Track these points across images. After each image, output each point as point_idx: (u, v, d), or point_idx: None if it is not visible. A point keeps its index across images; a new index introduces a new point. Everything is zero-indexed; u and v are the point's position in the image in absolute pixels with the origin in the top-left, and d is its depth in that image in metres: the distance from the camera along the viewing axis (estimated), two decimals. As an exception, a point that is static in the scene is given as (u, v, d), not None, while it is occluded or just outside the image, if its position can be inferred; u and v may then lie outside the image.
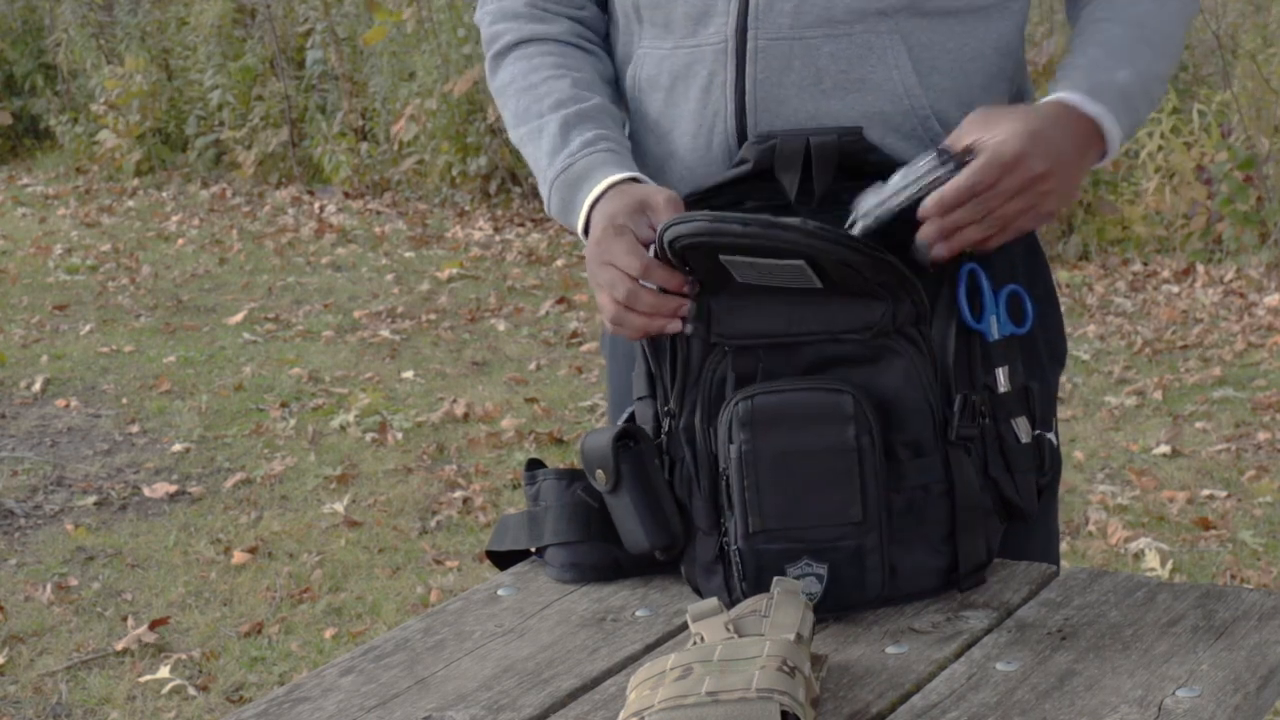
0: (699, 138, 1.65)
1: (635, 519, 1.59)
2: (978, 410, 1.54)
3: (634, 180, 1.61)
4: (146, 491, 4.62)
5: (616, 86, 1.75)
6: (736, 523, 1.51)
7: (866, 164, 1.56)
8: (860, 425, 1.49)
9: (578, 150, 1.65)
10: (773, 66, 1.60)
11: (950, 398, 1.53)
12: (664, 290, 1.53)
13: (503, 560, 1.74)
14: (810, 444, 1.49)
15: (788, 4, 1.59)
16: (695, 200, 1.58)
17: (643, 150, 1.71)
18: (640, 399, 1.63)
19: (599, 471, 1.60)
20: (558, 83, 1.70)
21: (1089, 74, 1.58)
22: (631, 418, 1.63)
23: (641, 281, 1.53)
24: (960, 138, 1.50)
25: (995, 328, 1.57)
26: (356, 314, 6.63)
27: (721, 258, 1.49)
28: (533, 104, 1.70)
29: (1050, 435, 1.63)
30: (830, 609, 1.52)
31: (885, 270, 1.48)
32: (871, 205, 1.49)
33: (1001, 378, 1.57)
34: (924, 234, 1.49)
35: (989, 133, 1.48)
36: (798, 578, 1.50)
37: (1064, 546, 4.06)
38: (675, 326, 1.54)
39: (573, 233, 1.69)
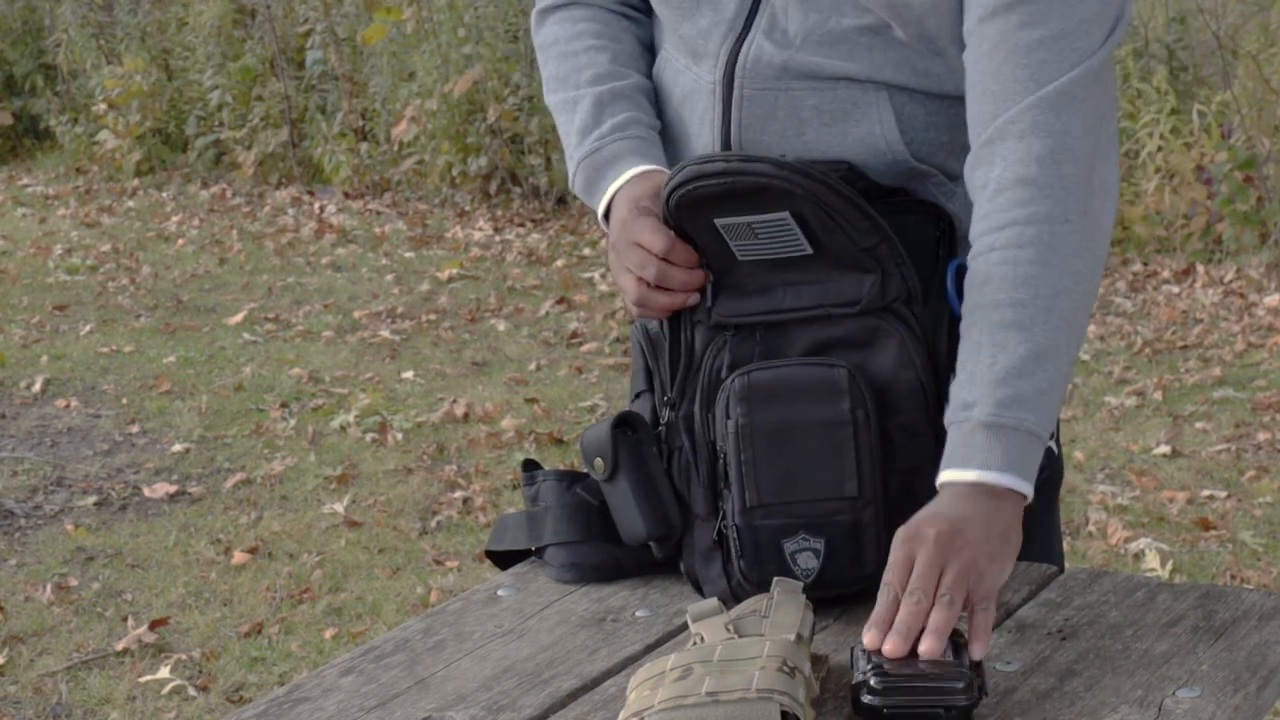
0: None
1: (633, 507, 1.59)
2: None
3: (659, 172, 1.64)
4: (146, 491, 4.62)
5: (654, 52, 1.78)
6: (734, 500, 1.52)
7: (860, 191, 1.57)
8: (855, 399, 1.50)
9: (608, 133, 1.67)
10: (756, 114, 1.62)
11: (941, 381, 1.54)
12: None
13: (502, 560, 1.74)
14: (805, 418, 1.51)
15: (776, 58, 1.60)
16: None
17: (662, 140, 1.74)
18: (638, 395, 1.64)
19: (597, 460, 1.61)
20: (598, 55, 1.72)
21: (957, 440, 1.46)
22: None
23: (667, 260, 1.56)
24: None
25: None
26: (356, 314, 6.63)
27: (717, 222, 1.52)
28: (571, 73, 1.73)
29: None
30: (828, 585, 1.52)
31: (864, 220, 1.50)
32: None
33: None
34: (890, 648, 1.34)
35: None
36: (794, 553, 1.51)
37: (1064, 546, 4.06)
38: (694, 299, 1.57)
39: (592, 211, 1.71)
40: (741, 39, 1.62)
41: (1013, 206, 1.48)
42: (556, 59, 1.75)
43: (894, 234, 1.52)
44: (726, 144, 1.64)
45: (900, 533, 1.41)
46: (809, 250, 1.52)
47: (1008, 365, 1.44)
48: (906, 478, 1.54)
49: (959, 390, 1.46)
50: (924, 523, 1.41)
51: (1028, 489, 1.44)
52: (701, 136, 1.66)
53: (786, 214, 1.50)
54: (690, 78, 1.67)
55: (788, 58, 1.60)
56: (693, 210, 1.53)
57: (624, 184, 1.63)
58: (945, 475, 1.44)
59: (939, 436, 1.53)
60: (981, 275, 1.48)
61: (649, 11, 1.78)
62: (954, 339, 1.54)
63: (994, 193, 1.49)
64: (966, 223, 1.61)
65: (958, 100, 1.60)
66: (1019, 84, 1.50)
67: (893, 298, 1.53)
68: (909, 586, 1.36)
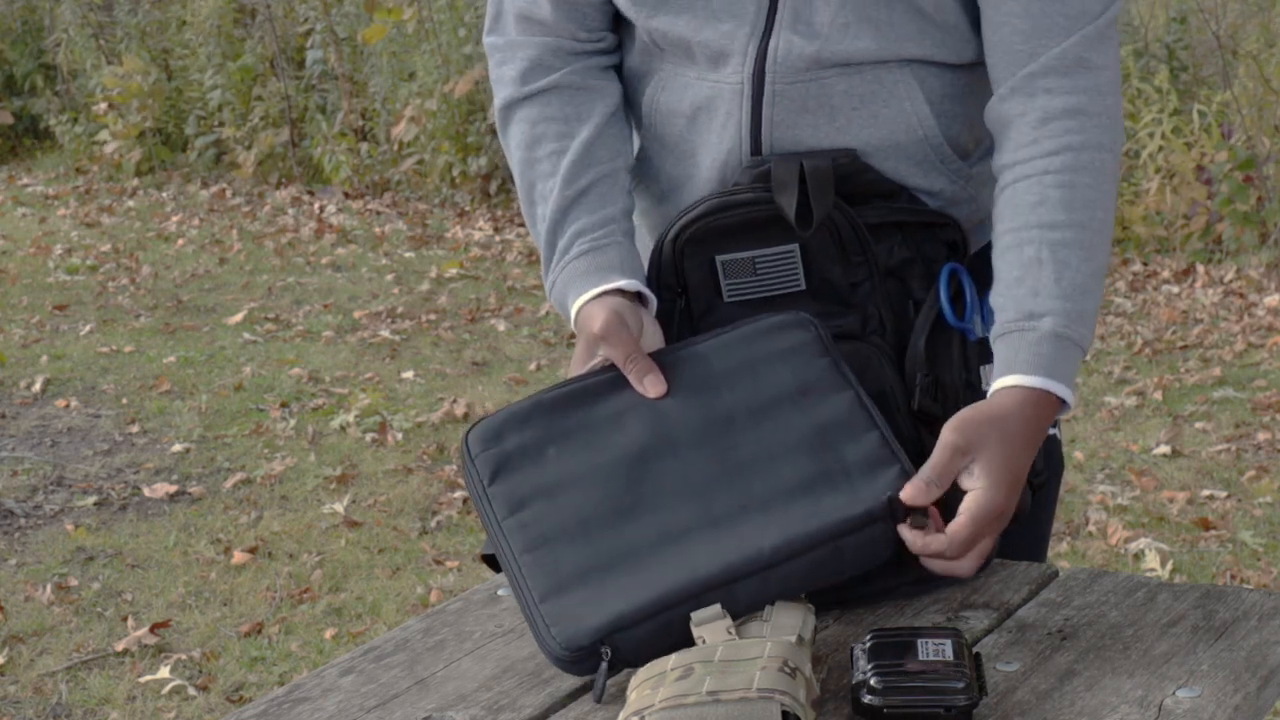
0: (713, 170, 1.66)
1: None
2: (942, 390, 1.59)
3: (600, 296, 1.61)
4: (146, 491, 4.62)
5: (624, 111, 1.74)
6: None
7: (865, 184, 1.60)
8: None
9: (558, 262, 1.65)
10: (789, 109, 1.61)
11: (908, 384, 1.59)
12: None
13: (497, 564, 1.75)
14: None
15: (809, 49, 1.59)
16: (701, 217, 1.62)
17: (656, 170, 1.72)
18: None
19: None
20: (554, 161, 1.68)
21: (1037, 346, 1.50)
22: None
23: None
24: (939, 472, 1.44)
25: (979, 327, 1.60)
26: (356, 314, 6.63)
27: (719, 259, 1.59)
28: (532, 186, 1.70)
29: (1053, 430, 1.65)
30: (830, 591, 1.53)
31: (860, 254, 1.58)
32: None
33: (985, 376, 1.60)
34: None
35: (969, 481, 1.45)
36: None
37: (1064, 546, 4.07)
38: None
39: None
40: (766, 36, 1.60)
41: (1065, 134, 1.56)
42: (519, 164, 1.72)
43: (913, 248, 1.60)
44: (756, 141, 1.62)
45: (976, 502, 1.43)
46: (802, 287, 1.58)
47: (1074, 282, 1.51)
48: None
49: (1021, 301, 1.51)
50: (1013, 490, 1.45)
51: (1073, 400, 1.52)
52: (723, 142, 1.64)
53: (795, 248, 1.57)
54: (707, 86, 1.64)
55: (819, 48, 1.59)
56: (701, 244, 1.59)
57: (577, 312, 1.61)
58: (1010, 380, 1.49)
59: (914, 447, 1.54)
60: (1035, 196, 1.55)
61: (618, 68, 1.75)
62: (943, 348, 1.59)
63: (1040, 121, 1.57)
64: (980, 204, 1.65)
65: (967, 69, 1.64)
66: (1056, 21, 1.57)
67: (871, 331, 1.59)
68: (948, 548, 1.42)
